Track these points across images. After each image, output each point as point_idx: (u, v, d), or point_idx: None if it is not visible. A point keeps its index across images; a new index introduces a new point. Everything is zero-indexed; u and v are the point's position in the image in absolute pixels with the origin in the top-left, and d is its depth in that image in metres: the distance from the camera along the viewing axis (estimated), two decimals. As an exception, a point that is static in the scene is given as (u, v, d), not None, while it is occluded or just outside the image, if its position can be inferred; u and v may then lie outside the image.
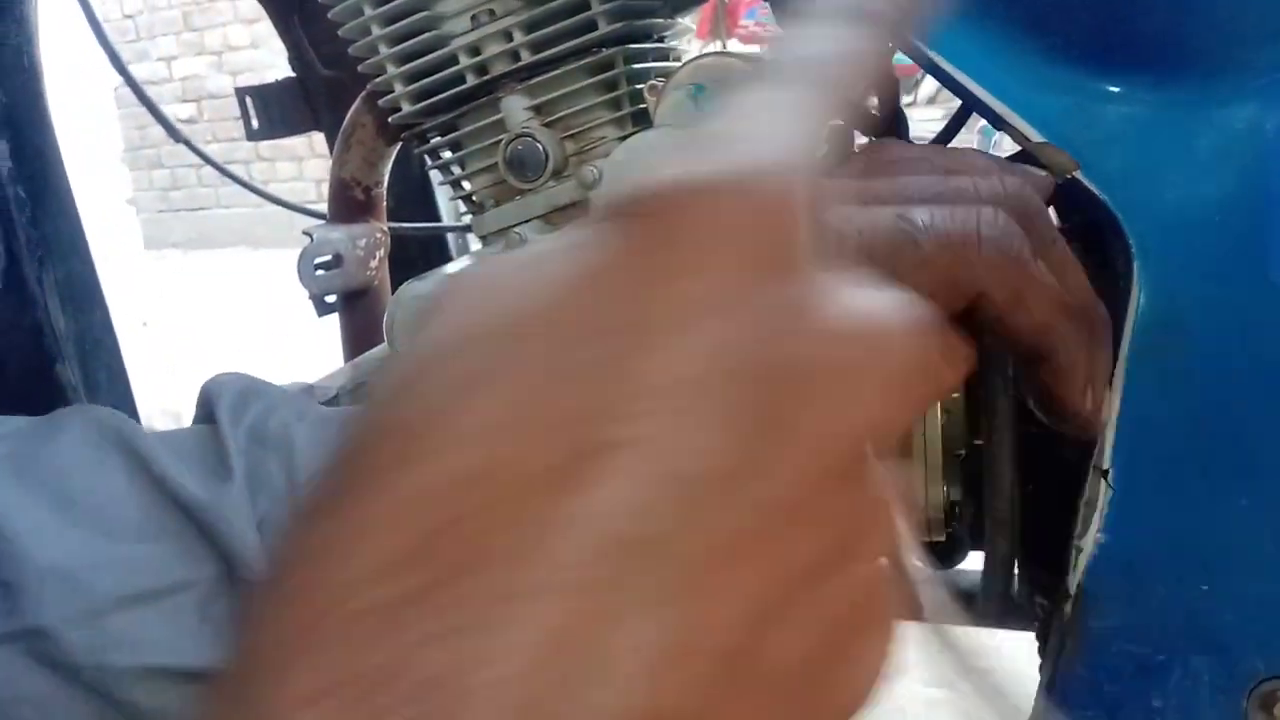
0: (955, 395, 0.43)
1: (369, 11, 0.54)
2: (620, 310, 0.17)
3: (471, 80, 0.54)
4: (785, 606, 0.17)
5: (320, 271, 0.74)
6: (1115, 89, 0.38)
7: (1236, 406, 0.37)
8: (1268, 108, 0.36)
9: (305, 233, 0.74)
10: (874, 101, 0.50)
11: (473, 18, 0.53)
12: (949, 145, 0.50)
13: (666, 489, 0.16)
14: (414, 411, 0.17)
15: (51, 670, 0.35)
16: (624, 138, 0.51)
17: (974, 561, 0.48)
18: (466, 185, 0.57)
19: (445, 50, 0.54)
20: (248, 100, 0.89)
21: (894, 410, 0.19)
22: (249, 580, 0.36)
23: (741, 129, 0.20)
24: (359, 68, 0.57)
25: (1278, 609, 0.38)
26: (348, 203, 0.75)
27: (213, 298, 4.03)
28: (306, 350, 1.23)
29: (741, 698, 0.17)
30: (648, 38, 0.56)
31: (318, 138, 0.95)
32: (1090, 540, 0.39)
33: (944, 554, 0.57)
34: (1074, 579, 0.40)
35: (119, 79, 0.99)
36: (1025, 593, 0.49)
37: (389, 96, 0.56)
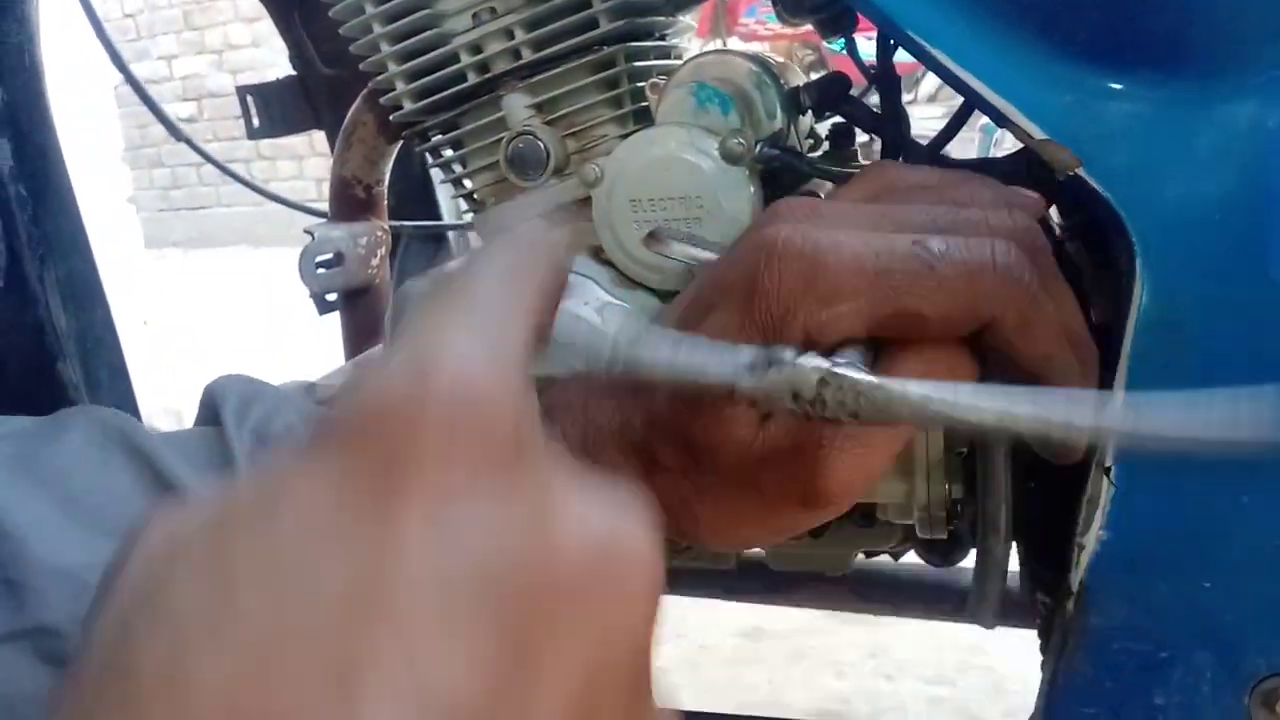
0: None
1: (370, 9, 0.54)
2: (348, 544, 0.16)
3: (473, 78, 0.54)
4: None
5: (321, 270, 0.74)
6: (1118, 86, 0.38)
7: (1239, 404, 0.37)
8: (1270, 105, 0.36)
9: (306, 231, 0.74)
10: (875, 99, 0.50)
11: (474, 15, 0.53)
12: (949, 143, 0.50)
13: None
14: (138, 667, 0.16)
15: (56, 669, 0.35)
16: (625, 136, 0.51)
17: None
18: (468, 183, 0.57)
19: (446, 48, 0.53)
20: (248, 99, 0.89)
21: (643, 629, 0.19)
22: None
23: (448, 331, 0.19)
24: (360, 66, 0.57)
25: (1280, 606, 0.38)
26: (349, 201, 0.75)
27: (214, 297, 4.03)
28: (307, 349, 1.23)
29: None
30: (649, 35, 0.56)
31: (318, 136, 0.95)
32: (1092, 538, 0.39)
33: (945, 552, 0.57)
34: (1076, 576, 0.40)
35: (120, 78, 0.99)
36: (1027, 590, 0.49)
37: (390, 95, 0.56)
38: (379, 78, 0.56)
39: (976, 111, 0.44)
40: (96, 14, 0.87)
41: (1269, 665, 0.39)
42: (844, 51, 0.57)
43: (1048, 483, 0.44)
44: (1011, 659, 1.29)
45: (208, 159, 0.98)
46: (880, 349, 0.34)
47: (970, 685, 1.32)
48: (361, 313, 0.80)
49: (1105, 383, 0.38)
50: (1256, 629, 0.39)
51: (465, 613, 0.16)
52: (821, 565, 0.60)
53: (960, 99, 0.44)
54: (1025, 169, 0.42)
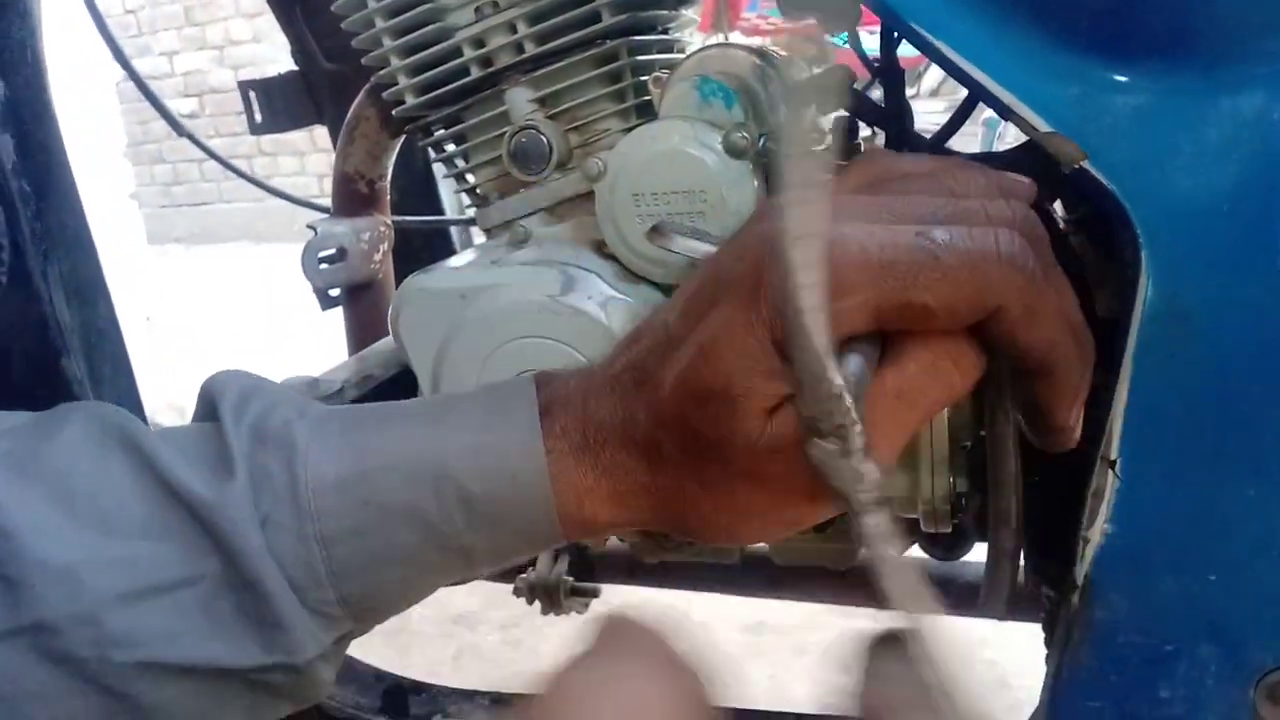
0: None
1: (372, 4, 0.54)
2: None
3: (476, 73, 0.54)
4: None
5: (324, 265, 0.74)
6: (1123, 78, 0.38)
7: (1244, 396, 0.37)
8: (1275, 96, 0.36)
9: (309, 226, 0.74)
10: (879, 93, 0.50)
11: (477, 10, 0.53)
12: (952, 137, 0.50)
13: None
14: None
15: (55, 665, 0.35)
16: (628, 130, 0.50)
17: (980, 553, 0.48)
18: (470, 178, 0.57)
19: (449, 43, 0.53)
20: (250, 94, 0.89)
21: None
22: (251, 578, 0.36)
23: None
24: (362, 61, 0.57)
25: (1285, 600, 0.38)
26: (351, 196, 0.75)
27: (216, 292, 4.03)
28: (310, 344, 1.23)
29: None
30: (652, 30, 0.56)
31: (320, 132, 0.95)
32: (1097, 531, 0.39)
33: (949, 546, 0.57)
34: (1081, 570, 0.40)
35: (122, 74, 0.99)
36: (1032, 584, 0.49)
37: (393, 89, 0.56)
38: (381, 72, 0.56)
39: (979, 105, 0.44)
40: (98, 10, 0.87)
41: (1274, 659, 0.39)
42: (847, 45, 0.56)
43: (1052, 477, 0.44)
44: (1016, 653, 1.29)
45: (210, 154, 0.97)
46: (886, 341, 0.34)
47: (974, 679, 1.31)
48: (364, 308, 0.80)
49: (1111, 374, 0.38)
50: (1261, 622, 0.39)
51: None
52: (825, 560, 0.60)
53: (964, 93, 0.44)
54: (1028, 163, 0.42)
